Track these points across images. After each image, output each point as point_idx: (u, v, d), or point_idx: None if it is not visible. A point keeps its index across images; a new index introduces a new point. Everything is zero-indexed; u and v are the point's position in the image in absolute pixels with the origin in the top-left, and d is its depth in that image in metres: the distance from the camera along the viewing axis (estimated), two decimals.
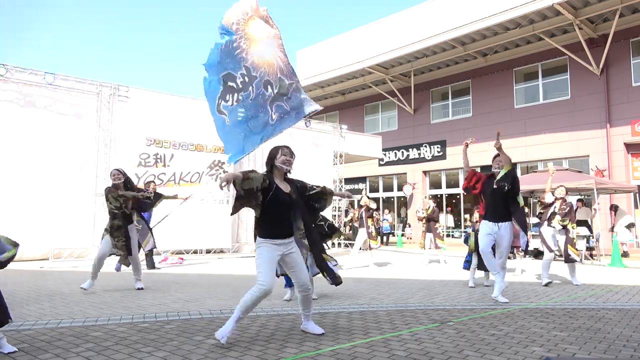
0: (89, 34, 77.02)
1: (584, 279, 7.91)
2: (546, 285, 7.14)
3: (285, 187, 3.79)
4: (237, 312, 3.62)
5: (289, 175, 3.94)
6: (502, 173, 5.69)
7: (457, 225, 20.35)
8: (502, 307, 5.41)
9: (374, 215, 10.26)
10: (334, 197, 4.28)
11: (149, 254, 9.17)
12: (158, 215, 9.41)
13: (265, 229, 3.72)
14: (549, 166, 8.26)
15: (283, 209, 3.73)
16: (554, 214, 7.60)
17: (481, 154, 18.90)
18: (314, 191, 4.02)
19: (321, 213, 4.47)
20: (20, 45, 74.43)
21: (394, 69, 21.09)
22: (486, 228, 5.72)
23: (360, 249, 10.20)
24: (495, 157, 5.89)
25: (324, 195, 4.07)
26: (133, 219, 6.46)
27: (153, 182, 9.65)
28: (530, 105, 18.09)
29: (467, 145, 5.98)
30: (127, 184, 6.43)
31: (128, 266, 6.43)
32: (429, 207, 10.64)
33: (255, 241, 3.80)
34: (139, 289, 6.45)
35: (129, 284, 6.87)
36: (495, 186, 5.75)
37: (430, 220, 10.59)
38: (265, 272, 3.63)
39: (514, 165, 5.92)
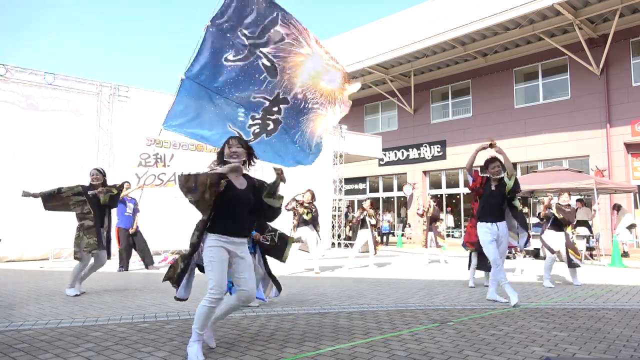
0: (89, 34, 77.06)
1: (584, 279, 7.91)
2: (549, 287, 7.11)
3: (241, 184, 3.47)
4: (195, 333, 3.30)
5: (251, 173, 3.63)
6: (512, 182, 5.62)
7: (457, 225, 20.35)
8: (502, 307, 5.41)
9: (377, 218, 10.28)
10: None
11: (146, 255, 9.20)
12: (161, 219, 9.40)
13: (220, 223, 3.33)
14: (544, 200, 8.00)
15: (237, 206, 3.39)
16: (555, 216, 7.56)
17: (480, 154, 18.91)
18: (267, 190, 3.63)
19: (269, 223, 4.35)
20: (20, 45, 74.44)
21: (394, 69, 21.09)
22: (487, 232, 5.68)
23: (359, 250, 10.15)
24: (491, 161, 5.85)
25: (273, 192, 3.65)
26: (105, 220, 6.19)
27: (127, 182, 9.42)
28: (530, 105, 18.09)
29: (485, 148, 5.88)
30: (105, 185, 6.25)
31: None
32: (430, 206, 10.64)
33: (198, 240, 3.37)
34: (82, 293, 6.07)
35: (129, 284, 6.88)
36: (493, 188, 5.77)
37: (433, 220, 10.58)
38: (217, 277, 3.29)
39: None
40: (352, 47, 21.94)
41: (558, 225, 7.52)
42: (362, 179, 24.14)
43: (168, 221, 10.67)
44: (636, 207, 15.26)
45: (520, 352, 3.52)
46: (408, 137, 21.93)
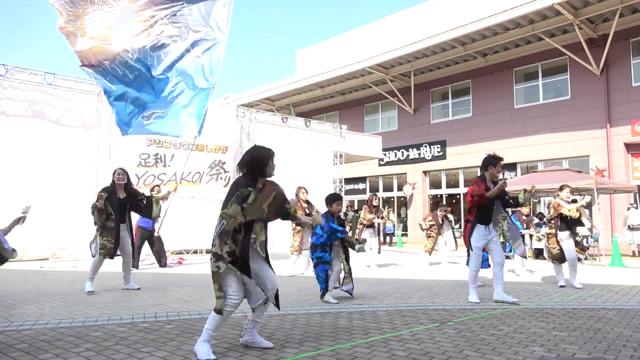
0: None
1: (584, 279, 7.92)
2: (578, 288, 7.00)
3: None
4: (207, 334, 3.38)
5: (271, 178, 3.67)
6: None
7: (458, 225, 20.34)
8: (502, 307, 5.41)
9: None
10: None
11: (162, 256, 9.40)
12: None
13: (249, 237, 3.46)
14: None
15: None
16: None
17: (480, 154, 18.92)
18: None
19: None
20: (20, 46, 74.47)
21: (394, 69, 21.08)
22: (481, 237, 5.72)
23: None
24: (500, 159, 5.80)
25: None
26: (126, 218, 6.40)
27: (157, 186, 9.64)
28: (530, 105, 18.08)
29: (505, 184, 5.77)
30: (128, 186, 6.39)
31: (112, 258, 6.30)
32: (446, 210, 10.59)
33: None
34: (137, 288, 6.44)
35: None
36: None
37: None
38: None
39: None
40: (352, 47, 21.95)
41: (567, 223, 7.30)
42: (362, 179, 24.13)
43: (168, 222, 10.65)
44: (636, 207, 15.27)
45: (520, 352, 3.52)
46: (408, 137, 21.92)
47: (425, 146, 21.13)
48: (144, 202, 6.47)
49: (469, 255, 7.41)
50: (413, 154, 21.60)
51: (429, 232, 10.35)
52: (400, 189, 22.59)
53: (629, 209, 13.93)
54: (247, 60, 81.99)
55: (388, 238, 18.60)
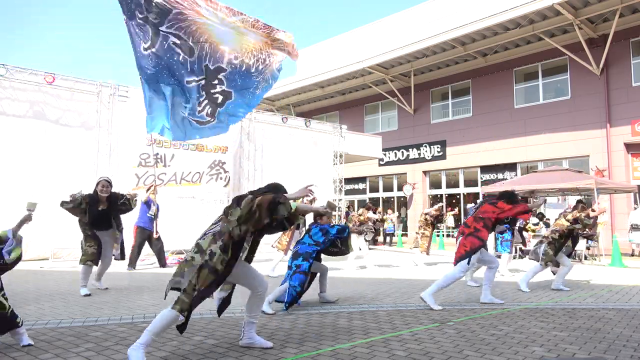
0: (90, 34, 77.12)
1: (584, 279, 7.91)
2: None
3: None
4: (148, 337, 3.15)
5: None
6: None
7: (458, 225, 20.32)
8: (502, 307, 5.42)
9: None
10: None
11: (162, 257, 9.37)
12: (161, 219, 9.46)
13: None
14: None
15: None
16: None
17: (480, 154, 18.95)
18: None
19: None
20: (21, 45, 74.49)
21: (394, 69, 21.08)
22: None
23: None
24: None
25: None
26: (111, 224, 6.23)
27: (152, 182, 9.63)
28: (530, 105, 18.08)
29: None
30: (111, 197, 6.15)
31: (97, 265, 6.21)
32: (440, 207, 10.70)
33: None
34: (105, 288, 6.38)
35: (129, 284, 6.87)
36: None
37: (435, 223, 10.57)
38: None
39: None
40: (352, 47, 21.94)
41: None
42: (362, 179, 24.13)
43: (169, 221, 10.66)
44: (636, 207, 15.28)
45: (520, 352, 3.53)
46: (408, 137, 21.92)
47: (425, 146, 21.13)
48: (124, 204, 6.28)
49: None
50: (413, 154, 21.60)
51: (422, 231, 10.40)
52: (400, 189, 22.58)
53: (635, 209, 13.96)
54: None
55: (388, 238, 18.59)
